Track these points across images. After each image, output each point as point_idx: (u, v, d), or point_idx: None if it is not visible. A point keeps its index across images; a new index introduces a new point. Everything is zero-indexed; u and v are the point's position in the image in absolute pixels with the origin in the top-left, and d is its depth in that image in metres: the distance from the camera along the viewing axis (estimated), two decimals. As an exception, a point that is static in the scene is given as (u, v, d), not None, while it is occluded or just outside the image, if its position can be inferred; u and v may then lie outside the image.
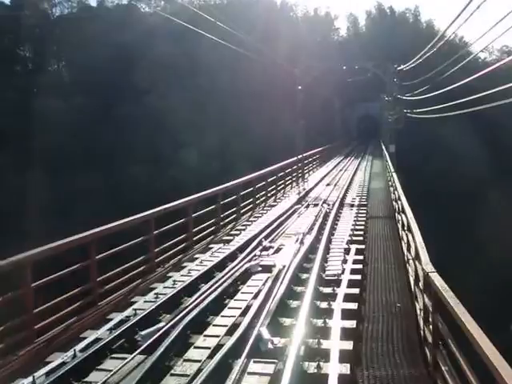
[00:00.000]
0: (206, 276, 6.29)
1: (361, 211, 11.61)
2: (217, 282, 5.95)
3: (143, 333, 4.44)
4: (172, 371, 3.88)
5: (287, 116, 27.26)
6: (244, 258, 7.10)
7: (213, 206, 9.93)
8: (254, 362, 3.91)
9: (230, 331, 4.50)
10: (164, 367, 3.93)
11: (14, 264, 4.74)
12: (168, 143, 33.58)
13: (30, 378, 3.80)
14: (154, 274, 7.02)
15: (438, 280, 3.80)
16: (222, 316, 4.99)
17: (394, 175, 14.36)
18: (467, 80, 10.84)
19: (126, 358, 4.06)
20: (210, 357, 4.02)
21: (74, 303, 5.67)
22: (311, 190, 16.05)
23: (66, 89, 38.28)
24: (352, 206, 12.48)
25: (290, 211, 11.47)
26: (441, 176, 34.20)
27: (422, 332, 4.55)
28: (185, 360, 4.04)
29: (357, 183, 17.89)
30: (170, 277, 6.56)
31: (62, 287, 5.68)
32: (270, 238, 8.43)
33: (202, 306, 5.05)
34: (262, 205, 13.15)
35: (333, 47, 47.78)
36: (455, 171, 33.76)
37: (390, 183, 15.34)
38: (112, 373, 3.83)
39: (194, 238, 8.77)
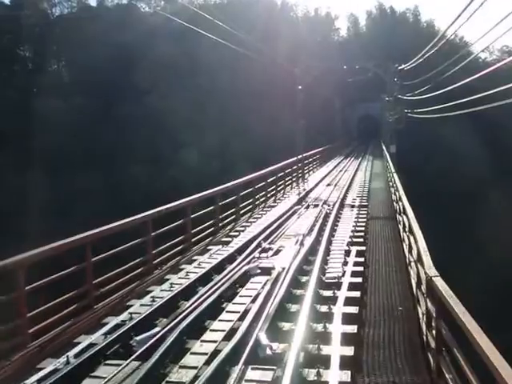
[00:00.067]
0: (204, 278, 6.17)
1: (361, 212, 11.50)
2: (215, 284, 5.83)
3: (138, 338, 4.33)
4: (167, 378, 3.77)
5: (287, 116, 27.15)
6: (243, 260, 6.99)
7: (212, 207, 9.82)
8: (252, 368, 3.80)
9: (228, 336, 4.39)
10: (159, 374, 3.81)
11: (4, 267, 4.62)
12: (168, 143, 33.52)
13: (22, 386, 3.69)
14: (151, 276, 6.91)
15: (441, 285, 3.69)
16: (220, 320, 4.88)
17: (395, 175, 14.25)
18: (468, 80, 10.77)
19: (120, 365, 3.95)
20: (207, 363, 3.91)
21: (71, 306, 5.57)
22: (311, 190, 15.94)
23: (65, 89, 38.23)
24: (352, 206, 12.36)
25: (290, 212, 11.36)
26: (441, 176, 34.12)
27: (424, 337, 4.44)
28: (181, 367, 3.93)
29: (357, 183, 17.78)
30: (168, 279, 6.44)
31: (62, 288, 5.62)
32: (269, 240, 8.32)
33: (199, 309, 4.94)
34: (262, 205, 13.03)
35: (333, 47, 47.68)
36: (456, 171, 33.68)
37: (391, 184, 15.23)
38: (106, 380, 3.72)
39: (193, 240, 8.66)
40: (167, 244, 7.93)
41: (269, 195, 14.09)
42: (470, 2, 8.39)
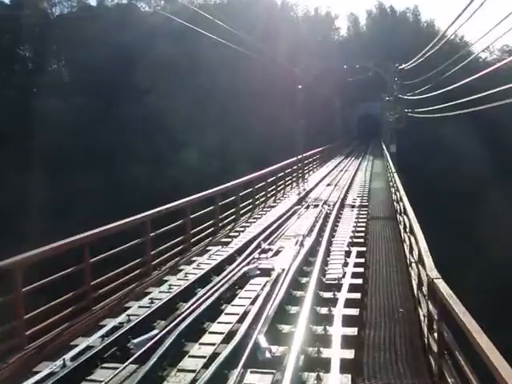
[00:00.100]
0: (203, 280, 6.11)
1: (362, 212, 11.44)
2: (214, 286, 5.78)
3: (136, 341, 4.28)
4: (165, 382, 3.72)
5: (287, 115, 27.10)
6: (242, 260, 6.94)
7: (211, 207, 9.76)
8: (251, 372, 3.75)
9: (227, 339, 4.34)
10: (157, 378, 3.76)
11: (0, 268, 4.57)
12: (168, 143, 33.49)
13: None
14: (150, 278, 6.85)
15: (443, 287, 3.63)
16: (219, 322, 4.83)
17: (396, 175, 14.19)
18: (468, 80, 10.74)
19: (117, 368, 3.90)
20: (205, 366, 3.85)
21: (69, 307, 5.53)
22: (311, 190, 15.88)
23: (65, 88, 38.19)
24: (353, 206, 12.31)
25: (290, 212, 11.30)
26: (441, 176, 34.08)
27: (426, 339, 4.38)
28: (179, 370, 3.88)
29: (357, 183, 17.72)
30: (166, 280, 6.39)
31: (62, 288, 5.58)
32: (269, 240, 8.27)
33: (197, 311, 4.88)
34: (262, 205, 12.98)
35: (333, 47, 47.62)
36: (456, 171, 33.65)
37: (392, 183, 15.18)
38: (102, 384, 3.67)
39: (192, 240, 8.60)
40: (166, 244, 7.88)
41: (269, 195, 14.04)
42: (470, 2, 8.36)
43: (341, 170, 22.89)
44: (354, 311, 5.05)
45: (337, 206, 11.79)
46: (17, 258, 4.82)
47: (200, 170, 29.71)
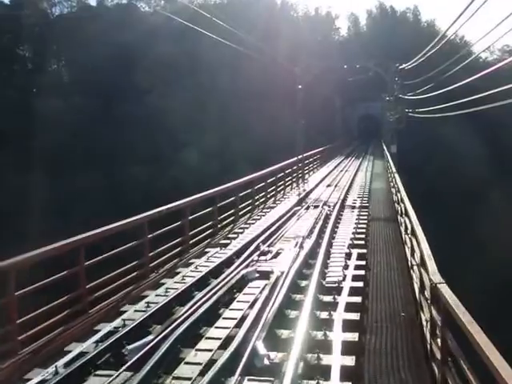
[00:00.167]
0: (201, 283, 6.00)
1: (362, 213, 11.33)
2: (211, 289, 5.66)
3: (130, 347, 4.16)
4: (160, 390, 3.61)
5: (288, 115, 26.99)
6: (241, 263, 6.82)
7: (210, 208, 9.65)
8: (249, 380, 3.65)
9: (224, 345, 4.23)
10: (152, 386, 3.65)
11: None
12: (168, 142, 33.43)
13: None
14: (147, 280, 6.74)
15: (447, 292, 3.51)
16: (216, 327, 4.71)
17: (396, 176, 14.08)
18: (469, 80, 10.64)
19: (111, 375, 3.79)
20: (202, 374, 3.74)
21: (65, 310, 5.42)
22: (311, 191, 15.78)
23: (65, 88, 38.13)
24: (353, 207, 12.20)
25: (290, 213, 11.18)
26: (442, 176, 34.01)
27: (428, 345, 4.27)
28: (174, 378, 3.77)
29: (358, 184, 17.62)
30: (163, 283, 6.28)
31: (62, 289, 5.50)
32: (268, 242, 8.15)
33: (194, 316, 4.77)
34: (261, 206, 12.86)
35: (333, 47, 47.54)
36: (456, 171, 33.58)
37: (392, 184, 15.07)
38: (95, 392, 3.56)
39: (191, 242, 8.49)
40: (164, 246, 7.77)
41: (268, 196, 13.93)
42: (470, 2, 8.27)
43: (341, 171, 22.78)
44: (355, 315, 4.93)
45: (337, 206, 11.68)
46: (9, 261, 4.71)
47: (200, 170, 29.64)
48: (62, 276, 5.45)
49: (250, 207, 12.05)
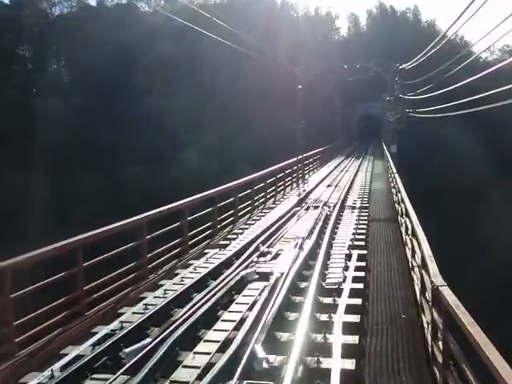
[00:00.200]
0: (200, 284, 5.94)
1: (362, 213, 11.27)
2: (210, 291, 5.61)
3: (128, 350, 4.11)
4: (157, 394, 3.56)
5: (288, 115, 26.95)
6: (240, 264, 6.77)
7: (210, 209, 9.60)
8: (247, 383, 3.58)
9: (222, 348, 4.17)
10: (149, 390, 3.60)
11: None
12: (169, 142, 33.42)
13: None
14: (145, 282, 6.69)
15: (449, 295, 3.46)
16: (215, 330, 4.66)
17: (397, 176, 14.03)
18: (469, 80, 10.60)
19: (107, 379, 3.73)
20: (200, 378, 3.69)
21: (63, 312, 5.38)
22: (311, 191, 15.72)
23: (65, 88, 38.12)
24: (353, 208, 12.14)
25: (290, 214, 11.12)
26: (442, 176, 33.98)
27: (430, 348, 4.22)
28: (172, 381, 3.71)
29: (358, 184, 17.57)
30: (162, 285, 6.22)
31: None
32: (267, 243, 8.09)
33: (193, 318, 4.71)
34: (261, 207, 12.81)
35: (334, 47, 47.49)
36: (456, 171, 33.53)
37: (393, 184, 15.02)
38: (91, 396, 3.50)
39: (190, 243, 8.43)
40: (163, 247, 7.72)
41: (268, 196, 13.87)
42: (471, 2, 8.23)
43: (341, 171, 22.74)
44: (355, 318, 4.88)
45: (337, 207, 11.63)
46: (6, 262, 4.65)
47: (201, 170, 29.62)
48: (59, 278, 5.40)
49: (249, 208, 12.00)
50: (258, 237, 8.42)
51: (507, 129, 36.62)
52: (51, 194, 28.79)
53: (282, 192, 15.59)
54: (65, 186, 29.95)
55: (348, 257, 7.25)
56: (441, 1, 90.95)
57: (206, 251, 8.14)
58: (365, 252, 7.71)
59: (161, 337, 4.32)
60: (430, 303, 4.20)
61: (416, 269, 5.98)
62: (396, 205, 11.95)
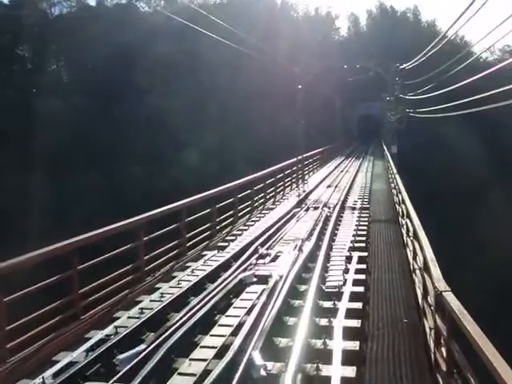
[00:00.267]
0: (197, 287, 5.83)
1: (363, 215, 11.16)
2: (208, 294, 5.49)
3: (122, 356, 3.99)
4: (151, 403, 3.44)
5: (288, 115, 26.87)
6: (239, 267, 6.65)
7: (208, 210, 9.49)
8: (245, 392, 3.47)
9: (219, 354, 4.06)
10: (143, 398, 3.48)
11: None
12: (169, 142, 33.35)
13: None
14: (142, 284, 6.57)
15: (452, 301, 3.34)
16: (211, 335, 4.54)
17: (397, 177, 13.93)
18: (470, 80, 10.50)
19: (100, 387, 3.62)
20: (195, 386, 3.58)
21: (59, 314, 5.27)
22: (311, 192, 15.62)
23: (65, 88, 38.04)
24: (354, 209, 12.03)
25: (289, 215, 11.01)
26: (442, 176, 33.91)
27: (432, 355, 4.10)
28: (166, 390, 3.60)
29: (358, 185, 17.46)
30: (158, 288, 6.10)
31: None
32: (267, 245, 7.98)
33: (189, 323, 4.60)
34: (260, 208, 12.70)
35: (334, 47, 47.39)
36: (457, 171, 33.47)
37: (393, 185, 14.92)
38: (83, 405, 3.39)
39: (188, 244, 8.32)
40: (161, 249, 7.61)
41: (268, 197, 13.76)
42: (471, 2, 8.15)
43: (341, 171, 22.64)
44: (356, 322, 4.76)
45: (337, 208, 11.52)
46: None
47: (201, 170, 29.56)
48: (53, 281, 5.29)
49: (249, 208, 11.89)
50: (257, 238, 8.31)
51: (507, 129, 36.54)
52: (51, 193, 28.75)
53: (281, 193, 15.48)
54: (64, 185, 29.90)
55: (348, 259, 7.13)
56: (441, 1, 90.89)
57: (204, 253, 8.03)
58: (365, 254, 7.60)
59: (156, 342, 4.21)
60: (433, 308, 4.09)
61: (417, 271, 5.87)
62: (397, 206, 11.84)
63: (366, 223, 10.20)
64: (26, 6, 42.09)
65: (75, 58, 39.70)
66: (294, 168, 17.61)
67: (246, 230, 9.73)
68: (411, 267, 6.66)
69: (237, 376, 3.58)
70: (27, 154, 30.35)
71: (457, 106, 13.79)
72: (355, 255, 7.36)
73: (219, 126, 34.10)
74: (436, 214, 25.38)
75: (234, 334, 4.46)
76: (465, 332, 3.02)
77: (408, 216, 7.78)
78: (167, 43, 37.51)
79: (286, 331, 4.53)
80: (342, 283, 5.93)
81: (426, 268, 4.77)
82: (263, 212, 12.07)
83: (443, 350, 3.72)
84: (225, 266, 6.78)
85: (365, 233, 9.21)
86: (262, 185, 13.14)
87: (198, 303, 5.21)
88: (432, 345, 4.09)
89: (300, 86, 19.17)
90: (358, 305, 5.28)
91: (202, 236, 8.96)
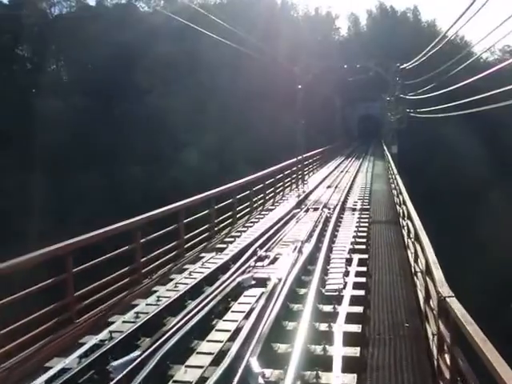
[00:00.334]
0: (195, 291, 5.72)
1: (363, 215, 11.05)
2: (205, 298, 5.37)
3: (115, 363, 3.88)
4: (145, 413, 3.33)
5: (288, 114, 26.77)
6: (237, 269, 6.54)
7: (207, 211, 9.38)
8: (242, 401, 3.36)
9: (216, 361, 3.94)
10: (136, 407, 3.37)
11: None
12: (169, 142, 33.30)
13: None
14: (139, 287, 6.46)
15: (457, 307, 3.23)
16: (208, 341, 4.43)
17: (398, 177, 13.82)
18: (470, 80, 10.42)
19: (93, 395, 3.51)
20: (191, 394, 3.46)
21: (53, 318, 5.17)
22: (311, 192, 15.51)
23: (65, 88, 37.98)
24: (354, 210, 11.91)
25: (289, 216, 10.89)
26: (443, 176, 33.84)
27: (435, 361, 3.99)
28: (161, 398, 3.49)
29: (358, 185, 17.35)
30: (155, 291, 5.99)
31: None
32: (265, 247, 7.86)
33: (186, 328, 4.48)
34: (260, 208, 12.59)
35: (334, 47, 47.30)
36: (457, 171, 33.40)
37: (394, 186, 14.81)
38: (74, 414, 3.28)
39: (186, 246, 8.21)
40: (159, 250, 7.50)
41: (267, 198, 13.65)
42: (471, 3, 8.06)
43: (341, 172, 22.54)
44: (356, 327, 4.65)
45: (337, 209, 11.40)
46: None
47: (201, 170, 29.51)
48: (49, 283, 5.19)
49: (248, 209, 11.78)
50: (255, 240, 8.20)
51: (507, 129, 36.45)
52: (51, 193, 28.70)
53: (281, 193, 15.37)
54: (65, 185, 29.85)
55: (348, 261, 7.02)
56: (441, 1, 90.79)
57: (202, 255, 7.92)
58: (366, 256, 7.48)
59: (151, 348, 4.09)
60: (436, 313, 3.98)
61: (419, 274, 5.76)
62: (397, 206, 11.73)
63: (367, 224, 10.09)
64: (26, 6, 41.99)
65: (75, 58, 39.63)
66: (294, 168, 17.51)
67: (244, 231, 9.63)
68: (412, 269, 6.55)
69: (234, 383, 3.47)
70: (27, 153, 30.31)
71: (457, 106, 13.72)
72: (355, 257, 7.25)
73: (219, 126, 34.02)
74: (436, 213, 25.28)
75: (232, 339, 4.35)
76: (470, 340, 2.91)
77: (409, 217, 7.67)
78: (167, 43, 37.41)
79: (285, 336, 4.42)
80: (342, 286, 5.82)
81: (428, 271, 4.66)
82: (262, 213, 11.96)
83: (447, 356, 3.61)
84: (223, 268, 6.66)
85: (365, 234, 9.10)
86: (261, 185, 13.03)
87: (195, 307, 5.10)
88: (435, 351, 3.98)
89: (300, 86, 19.07)
90: (359, 309, 5.17)
91: (200, 237, 8.86)
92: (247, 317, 4.87)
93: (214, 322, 4.88)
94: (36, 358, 4.38)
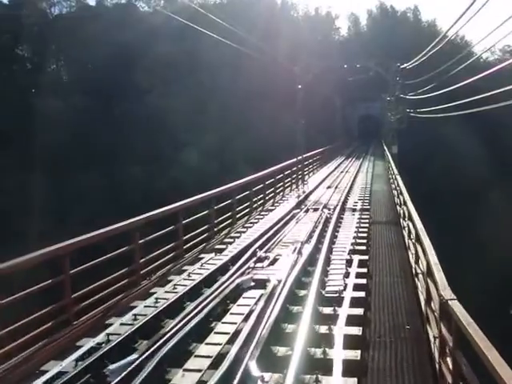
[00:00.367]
0: (193, 292, 5.66)
1: (363, 216, 10.99)
2: (204, 300, 5.32)
3: (112, 367, 3.82)
4: (142, 418, 3.28)
5: (288, 114, 26.72)
6: (236, 270, 6.48)
7: (206, 211, 9.32)
8: (240, 405, 3.31)
9: (215, 364, 3.89)
10: (133, 412, 3.32)
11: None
12: (169, 142, 33.28)
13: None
14: (137, 288, 6.40)
15: (460, 311, 3.17)
16: (207, 344, 4.37)
17: (399, 178, 13.76)
18: (470, 80, 10.38)
19: (89, 400, 3.45)
20: (189, 399, 3.41)
21: (51, 320, 5.12)
22: (311, 192, 15.45)
23: (65, 88, 37.98)
24: (354, 210, 11.86)
25: (288, 216, 10.83)
26: (443, 176, 33.81)
27: (437, 365, 3.93)
28: (158, 402, 3.44)
29: (359, 185, 17.29)
30: (154, 293, 5.93)
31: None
32: (265, 248, 7.81)
33: (184, 330, 4.43)
34: (259, 209, 12.53)
35: (334, 46, 47.27)
36: (457, 171, 33.36)
37: (394, 186, 14.75)
38: (70, 419, 3.22)
39: (185, 247, 8.15)
40: (158, 251, 7.45)
41: (267, 198, 13.60)
42: (472, 3, 8.03)
43: (341, 172, 22.48)
44: (357, 330, 4.60)
45: (337, 209, 11.34)
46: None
47: (201, 170, 29.48)
48: (46, 285, 5.13)
49: (247, 210, 11.72)
50: (255, 241, 8.14)
51: (507, 129, 36.41)
52: (51, 193, 28.68)
53: (281, 193, 15.32)
54: (65, 185, 29.84)
55: (349, 262, 6.96)
56: (441, 1, 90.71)
57: (201, 256, 7.86)
58: (366, 257, 7.43)
59: (149, 351, 4.04)
60: (437, 315, 3.93)
61: (420, 276, 5.71)
62: (398, 207, 11.68)
63: (367, 225, 10.03)
64: (26, 6, 41.95)
65: (75, 58, 39.62)
66: (294, 168, 17.45)
67: (244, 231, 9.58)
68: (413, 271, 6.49)
69: (232, 388, 3.41)
70: (27, 153, 30.29)
71: (457, 106, 13.68)
72: (356, 258, 7.19)
73: (219, 126, 33.98)
74: (436, 213, 25.24)
75: (231, 342, 4.30)
76: (472, 344, 2.86)
77: (410, 218, 7.61)
78: (167, 43, 37.37)
79: (285, 339, 4.37)
80: (342, 288, 5.77)
81: (429, 273, 4.61)
82: (262, 213, 11.90)
83: (449, 360, 3.55)
84: (222, 269, 6.61)
85: (365, 235, 9.05)
86: (261, 185, 12.98)
87: (193, 309, 5.04)
88: (436, 354, 3.93)
89: (300, 86, 19.01)
90: (359, 311, 5.12)
91: (199, 238, 8.80)
92: (246, 319, 4.81)
93: (212, 325, 4.83)
94: (32, 361, 4.32)
